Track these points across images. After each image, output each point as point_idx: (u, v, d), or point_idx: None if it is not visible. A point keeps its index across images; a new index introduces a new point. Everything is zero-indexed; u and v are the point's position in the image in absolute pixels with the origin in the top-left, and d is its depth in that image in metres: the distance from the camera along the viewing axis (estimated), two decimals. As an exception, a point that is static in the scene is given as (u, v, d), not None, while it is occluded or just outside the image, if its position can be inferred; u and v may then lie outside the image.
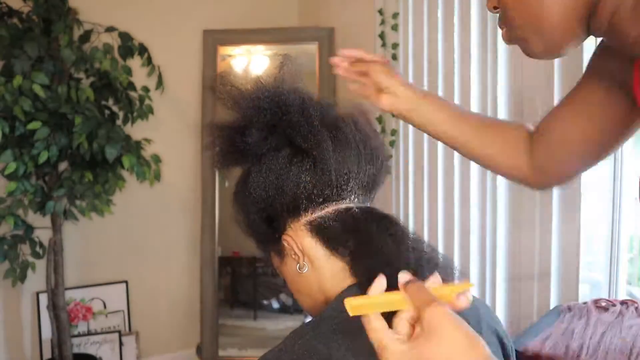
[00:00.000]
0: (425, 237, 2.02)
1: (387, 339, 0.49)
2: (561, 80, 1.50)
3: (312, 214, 0.70)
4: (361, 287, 0.68)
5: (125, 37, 2.20)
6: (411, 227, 2.13)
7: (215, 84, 0.77)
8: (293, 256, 0.72)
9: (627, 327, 1.24)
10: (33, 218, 2.16)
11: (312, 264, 0.71)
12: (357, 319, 0.63)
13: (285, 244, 0.72)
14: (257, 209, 0.72)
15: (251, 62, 2.76)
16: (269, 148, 0.71)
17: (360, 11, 2.42)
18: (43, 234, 2.17)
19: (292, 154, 0.70)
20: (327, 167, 0.70)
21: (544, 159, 0.88)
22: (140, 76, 2.27)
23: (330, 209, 0.71)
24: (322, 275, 0.71)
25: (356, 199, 0.72)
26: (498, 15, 0.72)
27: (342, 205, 0.71)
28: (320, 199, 0.70)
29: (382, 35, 2.21)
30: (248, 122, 0.72)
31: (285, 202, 0.70)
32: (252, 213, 0.73)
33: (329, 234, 0.70)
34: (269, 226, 0.73)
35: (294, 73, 0.77)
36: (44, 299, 2.34)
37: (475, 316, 0.70)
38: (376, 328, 0.50)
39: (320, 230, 0.70)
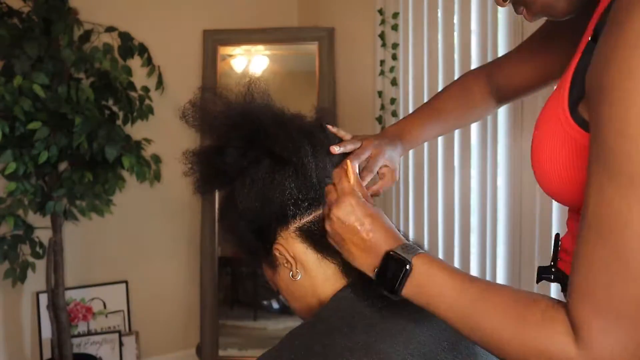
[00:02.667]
0: (425, 237, 2.02)
1: (355, 190, 0.68)
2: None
3: (300, 220, 0.72)
4: (354, 286, 0.69)
5: (125, 37, 2.20)
6: (411, 227, 2.13)
7: (185, 111, 0.79)
8: (285, 265, 0.73)
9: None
10: (33, 218, 2.16)
11: (305, 270, 0.72)
12: (354, 319, 0.63)
13: (277, 254, 0.73)
14: (246, 222, 0.73)
15: (251, 62, 2.76)
16: (250, 161, 0.72)
17: (360, 11, 2.42)
18: (43, 234, 2.17)
19: (273, 163, 0.72)
20: (308, 171, 0.71)
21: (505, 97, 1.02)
22: (140, 76, 2.27)
23: (317, 213, 0.72)
24: (315, 280, 0.72)
25: None
26: (510, 3, 0.70)
27: None
28: (306, 204, 0.71)
29: (382, 35, 2.21)
30: (224, 142, 0.73)
31: (273, 211, 0.71)
32: (241, 227, 0.74)
33: (319, 238, 0.71)
34: (259, 238, 0.74)
35: (262, 91, 0.78)
36: (44, 299, 2.34)
37: None
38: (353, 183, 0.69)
39: (309, 235, 0.71)
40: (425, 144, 2.03)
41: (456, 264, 1.88)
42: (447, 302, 0.58)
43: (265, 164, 0.72)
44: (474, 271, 1.82)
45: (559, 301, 0.54)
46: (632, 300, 0.47)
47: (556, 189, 0.62)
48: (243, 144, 0.72)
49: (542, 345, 0.51)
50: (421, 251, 0.62)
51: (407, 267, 0.60)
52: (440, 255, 1.96)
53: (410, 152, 2.13)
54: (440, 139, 1.96)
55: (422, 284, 0.60)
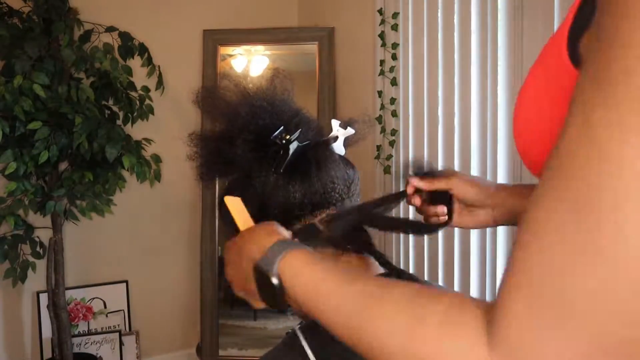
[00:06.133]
0: (425, 237, 2.02)
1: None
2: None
3: (302, 222, 0.71)
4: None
5: (125, 37, 2.21)
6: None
7: (200, 98, 0.78)
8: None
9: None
10: (33, 218, 2.16)
11: None
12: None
13: None
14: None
15: (251, 62, 2.76)
16: (258, 158, 0.72)
17: (360, 11, 2.42)
18: (43, 234, 2.17)
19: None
20: (312, 177, 0.71)
21: None
22: (140, 76, 2.27)
23: (320, 216, 0.72)
24: None
25: (341, 203, 0.74)
26: None
27: (332, 211, 0.72)
28: (310, 207, 0.71)
29: (382, 35, 2.21)
30: (237, 133, 0.72)
31: (275, 213, 0.71)
32: None
33: (320, 240, 0.71)
34: None
35: (284, 87, 0.77)
36: (44, 298, 2.34)
37: None
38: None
39: (311, 237, 0.71)
40: (425, 144, 2.03)
41: (456, 270, 1.89)
42: (332, 304, 0.47)
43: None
44: (473, 270, 1.82)
45: (471, 298, 0.38)
46: (590, 295, 0.29)
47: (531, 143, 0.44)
48: (254, 138, 0.72)
49: (441, 355, 0.36)
50: (292, 248, 0.52)
51: (274, 281, 0.51)
52: (440, 268, 1.97)
53: (410, 152, 2.13)
54: (440, 140, 1.97)
55: (298, 291, 0.50)
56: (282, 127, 0.71)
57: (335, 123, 0.78)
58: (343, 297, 0.45)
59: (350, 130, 0.78)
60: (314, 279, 0.48)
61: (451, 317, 0.37)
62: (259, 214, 0.72)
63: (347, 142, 0.78)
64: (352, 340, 0.44)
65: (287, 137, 0.71)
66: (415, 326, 0.38)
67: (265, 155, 0.71)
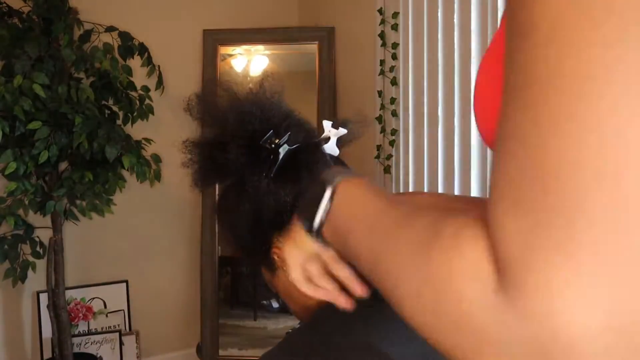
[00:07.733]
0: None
1: None
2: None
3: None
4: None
5: (125, 36, 2.21)
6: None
7: (191, 104, 0.78)
8: (285, 268, 0.72)
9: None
10: (33, 218, 2.16)
11: None
12: (353, 319, 0.63)
13: (275, 257, 0.72)
14: (243, 225, 0.73)
15: (251, 62, 2.76)
16: (250, 163, 0.72)
17: (360, 11, 2.42)
18: (43, 234, 2.17)
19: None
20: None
21: None
22: (140, 76, 2.27)
23: None
24: None
25: None
26: None
27: None
28: None
29: (382, 35, 2.21)
30: (229, 138, 0.72)
31: (269, 217, 0.71)
32: (239, 229, 0.74)
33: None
34: (257, 241, 0.73)
35: (273, 90, 0.77)
36: (44, 298, 2.34)
37: None
38: None
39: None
40: (425, 144, 2.03)
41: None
42: (363, 231, 0.43)
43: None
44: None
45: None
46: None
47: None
48: (245, 143, 0.72)
49: (445, 273, 0.30)
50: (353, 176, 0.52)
51: (329, 189, 0.50)
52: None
53: (410, 152, 2.13)
54: (440, 139, 1.97)
55: (342, 211, 0.49)
56: (271, 131, 0.71)
57: (327, 124, 0.77)
58: (378, 225, 0.41)
59: (342, 131, 0.77)
60: (362, 202, 0.47)
61: (461, 235, 0.31)
62: (252, 219, 0.72)
63: (341, 142, 0.78)
64: (376, 278, 0.40)
65: (277, 141, 0.70)
66: (423, 252, 0.33)
67: (256, 160, 0.71)
